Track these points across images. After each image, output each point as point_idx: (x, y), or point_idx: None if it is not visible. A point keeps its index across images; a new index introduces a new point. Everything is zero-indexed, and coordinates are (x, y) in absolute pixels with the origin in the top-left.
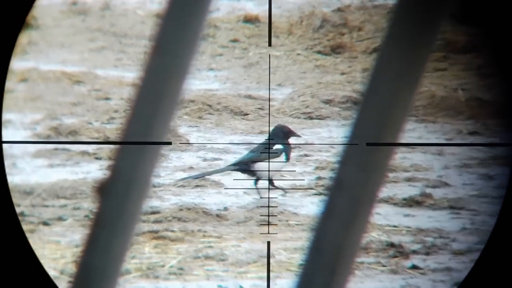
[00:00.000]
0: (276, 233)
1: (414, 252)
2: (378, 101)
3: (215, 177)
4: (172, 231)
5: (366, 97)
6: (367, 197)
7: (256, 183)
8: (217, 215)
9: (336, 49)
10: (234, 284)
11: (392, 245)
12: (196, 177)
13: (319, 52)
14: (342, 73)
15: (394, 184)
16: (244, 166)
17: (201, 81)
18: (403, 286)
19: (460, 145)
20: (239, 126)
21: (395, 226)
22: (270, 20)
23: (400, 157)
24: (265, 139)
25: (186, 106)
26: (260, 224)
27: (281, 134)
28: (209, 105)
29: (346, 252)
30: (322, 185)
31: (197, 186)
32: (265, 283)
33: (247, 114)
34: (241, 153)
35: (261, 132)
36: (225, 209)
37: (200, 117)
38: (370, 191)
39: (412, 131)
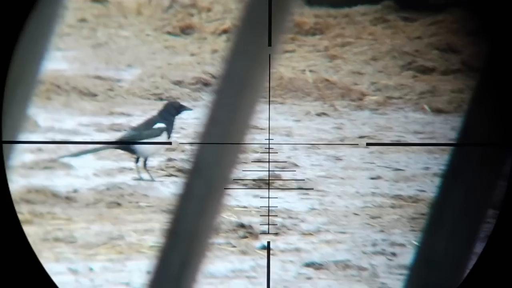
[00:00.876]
0: (276, 233)
1: (264, 233)
2: (230, 83)
3: (64, 159)
4: (21, 213)
5: (219, 80)
6: (222, 179)
7: (137, 162)
8: (66, 197)
9: (185, 30)
10: (84, 266)
11: (242, 226)
12: (76, 156)
13: (168, 33)
14: (192, 54)
15: (244, 165)
16: (124, 145)
17: (48, 61)
18: (252, 267)
19: (460, 144)
20: (88, 107)
21: (244, 207)
22: (270, 19)
23: (250, 139)
24: (152, 116)
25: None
26: (109, 207)
27: (173, 111)
28: (57, 86)
29: (201, 233)
30: (173, 167)
31: (45, 168)
32: (115, 265)
33: (96, 95)
34: (90, 134)
35: (111, 113)
36: (75, 191)
37: (48, 98)
38: (225, 173)
39: (261, 113)
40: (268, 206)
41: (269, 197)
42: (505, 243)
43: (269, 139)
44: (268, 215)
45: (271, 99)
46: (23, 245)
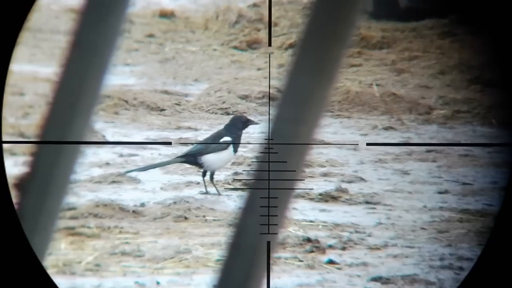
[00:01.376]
0: (276, 233)
1: (331, 247)
2: (295, 97)
3: (132, 173)
4: (89, 227)
5: (284, 93)
6: (285, 193)
7: (204, 176)
8: (134, 211)
9: (252, 45)
10: (151, 280)
11: (308, 240)
12: (143, 170)
13: (235, 47)
14: (258, 69)
15: (310, 179)
16: (191, 158)
17: (116, 76)
18: (319, 281)
19: (458, 145)
20: (156, 121)
21: (311, 221)
22: (270, 18)
23: (316, 153)
24: (218, 130)
25: (102, 101)
26: (176, 220)
27: (240, 125)
28: (125, 101)
29: (264, 247)
30: (239, 181)
31: (113, 182)
32: (182, 279)
33: (163, 110)
34: (158, 149)
35: (178, 128)
36: (142, 205)
37: (116, 113)
38: (288, 186)
39: (327, 127)
40: (268, 206)
41: (269, 195)
42: (505, 243)
43: (269, 139)
44: (268, 215)
45: (337, 113)
46: (22, 244)
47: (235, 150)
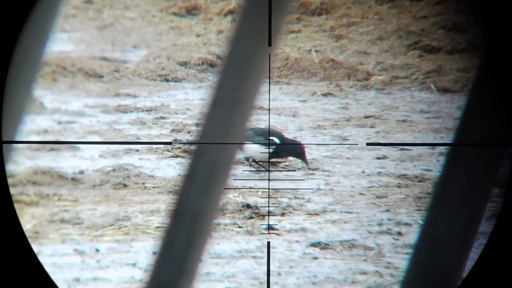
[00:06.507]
0: (278, 233)
1: (270, 213)
2: (235, 64)
3: (71, 140)
4: (27, 194)
5: (224, 60)
6: (225, 160)
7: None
8: (73, 179)
9: (191, 11)
10: (90, 247)
11: (248, 206)
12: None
13: (174, 13)
14: (198, 35)
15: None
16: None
17: (54, 43)
18: (259, 247)
19: (461, 144)
20: (94, 88)
21: (250, 188)
22: (270, 17)
23: (256, 120)
24: (276, 129)
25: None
26: (115, 188)
27: (297, 149)
28: (63, 67)
29: (206, 214)
30: (179, 148)
31: (52, 149)
32: (122, 246)
33: (102, 77)
34: (96, 116)
35: (117, 95)
36: (81, 172)
37: (54, 80)
38: (228, 154)
39: (267, 93)
40: (268, 206)
41: (269, 195)
42: (506, 241)
43: (269, 139)
44: (269, 215)
45: (277, 80)
46: (22, 244)
47: (280, 155)
